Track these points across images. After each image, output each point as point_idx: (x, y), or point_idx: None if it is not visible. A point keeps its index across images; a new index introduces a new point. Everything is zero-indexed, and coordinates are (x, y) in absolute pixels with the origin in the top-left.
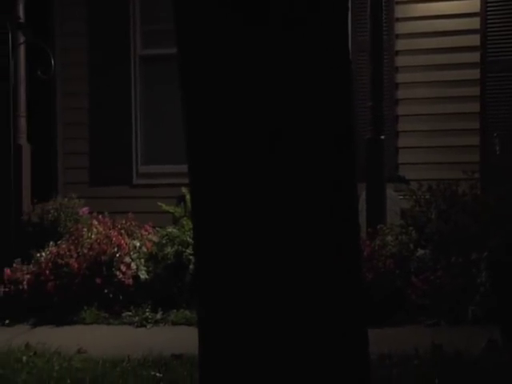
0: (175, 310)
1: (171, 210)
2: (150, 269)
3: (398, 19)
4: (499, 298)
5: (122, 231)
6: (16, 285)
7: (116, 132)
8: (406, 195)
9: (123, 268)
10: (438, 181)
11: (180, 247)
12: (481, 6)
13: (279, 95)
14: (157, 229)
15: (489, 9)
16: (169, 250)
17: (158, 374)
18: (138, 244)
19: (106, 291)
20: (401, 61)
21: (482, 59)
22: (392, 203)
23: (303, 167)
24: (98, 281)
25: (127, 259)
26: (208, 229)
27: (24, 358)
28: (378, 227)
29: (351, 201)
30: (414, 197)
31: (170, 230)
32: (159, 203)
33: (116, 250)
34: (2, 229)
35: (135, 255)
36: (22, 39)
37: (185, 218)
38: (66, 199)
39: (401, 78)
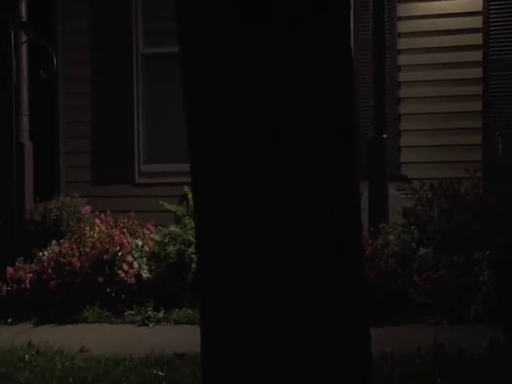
0: (177, 309)
1: (173, 209)
2: (152, 268)
3: (400, 18)
4: (501, 296)
5: (125, 230)
6: (18, 283)
7: (118, 131)
8: (408, 194)
9: (125, 267)
10: (441, 180)
11: (182, 246)
12: (483, 4)
13: (281, 94)
14: (159, 228)
15: (491, 7)
16: (171, 248)
17: (160, 373)
18: (140, 243)
19: (108, 290)
20: (403, 59)
21: (484, 58)
22: (394, 202)
23: (305, 166)
24: (101, 280)
25: (129, 258)
26: (210, 227)
27: (26, 356)
28: (380, 226)
29: (353, 200)
30: (416, 196)
31: (172, 228)
32: (161, 202)
33: (118, 248)
34: (4, 227)
35: (137, 254)
36: (24, 38)
37: (187, 217)
38: (69, 198)
39: (403, 76)
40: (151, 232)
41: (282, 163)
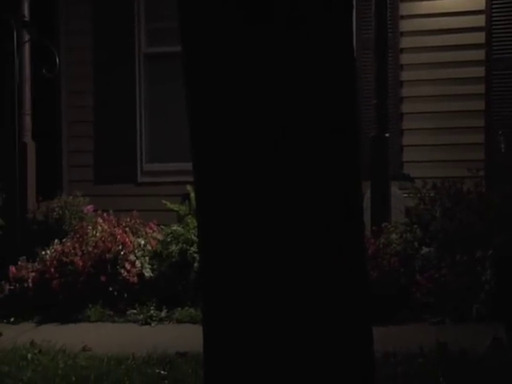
0: (180, 308)
1: (176, 208)
2: (155, 267)
3: (402, 17)
4: (504, 295)
5: (127, 229)
6: (21, 283)
7: (121, 130)
8: (411, 193)
9: (128, 266)
10: (443, 179)
11: (184, 245)
12: (486, 3)
13: (283, 93)
14: (161, 227)
15: (494, 6)
16: (173, 247)
17: (162, 372)
18: (142, 242)
19: (110, 289)
20: (405, 59)
21: (487, 57)
22: (397, 201)
23: (307, 165)
24: (103, 279)
25: (132, 257)
26: (212, 227)
27: (29, 355)
28: (383, 225)
29: (356, 199)
30: (419, 195)
31: (174, 228)
32: (164, 201)
33: (121, 247)
34: (7, 227)
35: (140, 253)
36: (26, 37)
37: (189, 216)
38: (71, 197)
39: (405, 75)
40: (154, 231)
41: (284, 162)
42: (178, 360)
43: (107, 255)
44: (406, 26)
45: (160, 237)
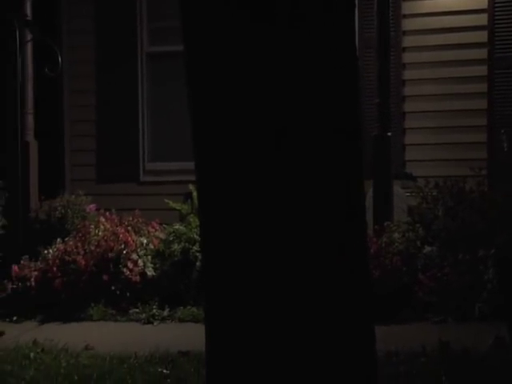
0: (182, 307)
1: (178, 207)
2: (157, 266)
3: (404, 16)
4: (506, 294)
5: (129, 228)
6: (24, 282)
7: (123, 129)
8: (413, 192)
9: (130, 265)
10: (445, 178)
11: (187, 244)
12: (488, 2)
13: (285, 93)
14: (164, 226)
15: (496, 5)
16: (176, 246)
17: (164, 371)
18: (144, 241)
19: (113, 288)
20: (408, 57)
21: (489, 56)
22: (399, 200)
23: (309, 165)
24: (105, 278)
25: (134, 256)
26: (214, 226)
27: (32, 354)
28: (385, 224)
29: (358, 198)
30: (421, 194)
31: (176, 227)
32: (166, 200)
33: (123, 246)
34: (9, 226)
35: (142, 252)
36: (29, 37)
37: (192, 215)
38: (73, 196)
39: (408, 74)
40: (156, 230)
41: (286, 162)
42: (181, 359)
43: (109, 254)
44: (408, 24)
45: (162, 236)
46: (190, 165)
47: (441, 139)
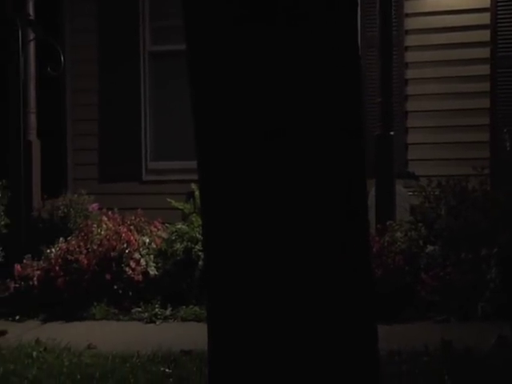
0: (184, 306)
1: (180, 207)
2: (160, 265)
3: (407, 15)
4: (509, 294)
5: (132, 227)
6: (26, 281)
7: (125, 128)
8: (416, 191)
9: (133, 264)
10: (448, 177)
11: (189, 243)
12: (491, 1)
13: (288, 92)
14: (166, 225)
15: (499, 4)
16: (178, 246)
17: (167, 370)
18: (147, 240)
19: (115, 287)
20: (410, 56)
21: (492, 55)
22: (401, 199)
23: (312, 164)
24: (108, 277)
25: (137, 255)
26: (217, 225)
27: (34, 353)
28: (388, 223)
29: (360, 197)
30: (424, 193)
31: (179, 226)
32: (168, 199)
33: (125, 246)
34: (12, 225)
35: (144, 251)
36: (32, 36)
37: (194, 215)
38: (76, 195)
39: (410, 73)
40: (158, 229)
41: (288, 161)
42: (183, 358)
43: (112, 253)
44: (410, 23)
45: (165, 235)
46: (193, 164)
47: (443, 138)
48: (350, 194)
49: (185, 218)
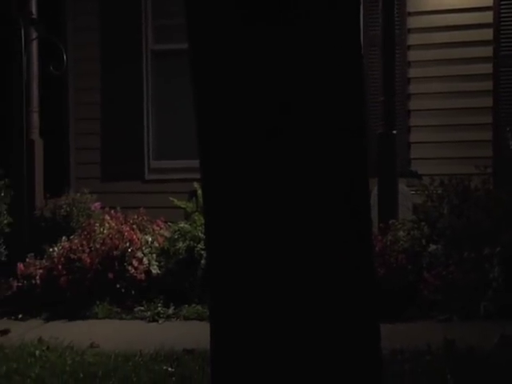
0: (187, 305)
1: (183, 205)
2: (162, 264)
3: (410, 13)
4: None
5: (134, 226)
6: (29, 280)
7: (128, 127)
8: (418, 190)
9: (135, 263)
10: (451, 176)
11: (192, 242)
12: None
13: (290, 90)
14: (168, 224)
15: (502, 3)
16: (180, 245)
17: (169, 369)
18: (149, 239)
19: (118, 286)
20: (413, 55)
21: (494, 53)
22: (404, 198)
23: (315, 163)
24: (111, 276)
25: (139, 254)
26: (219, 224)
27: (37, 352)
28: (390, 222)
29: (363, 196)
30: (426, 192)
31: (181, 225)
32: (171, 198)
33: (128, 244)
34: (15, 224)
35: (147, 250)
36: (34, 35)
37: (196, 213)
38: (79, 194)
39: (413, 72)
40: (161, 228)
41: (291, 160)
42: (185, 357)
43: (115, 252)
44: (413, 22)
45: (167, 234)
46: (195, 163)
47: (446, 137)
48: (353, 193)
49: (187, 216)
